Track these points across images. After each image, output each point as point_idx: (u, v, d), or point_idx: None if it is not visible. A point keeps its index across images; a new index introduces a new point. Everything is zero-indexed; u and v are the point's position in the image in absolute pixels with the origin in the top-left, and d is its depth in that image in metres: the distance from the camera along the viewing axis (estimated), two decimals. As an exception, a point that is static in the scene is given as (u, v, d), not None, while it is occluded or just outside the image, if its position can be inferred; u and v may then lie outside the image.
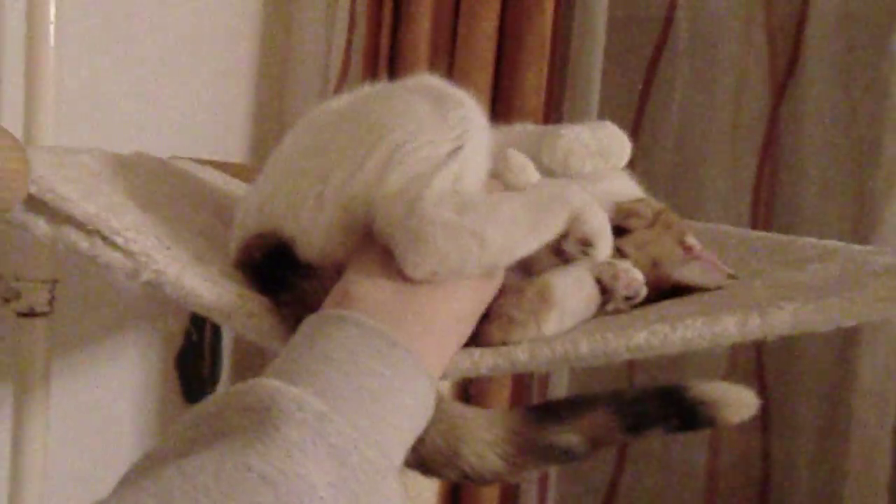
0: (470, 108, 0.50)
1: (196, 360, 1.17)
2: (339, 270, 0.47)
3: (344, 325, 0.41)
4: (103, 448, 0.99)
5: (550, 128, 0.63)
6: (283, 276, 0.47)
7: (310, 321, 0.43)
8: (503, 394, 1.15)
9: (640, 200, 0.58)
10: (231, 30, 1.21)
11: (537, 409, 0.47)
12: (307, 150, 0.51)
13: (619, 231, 0.54)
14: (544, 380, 1.23)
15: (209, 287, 0.45)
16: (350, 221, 0.48)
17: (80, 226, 0.44)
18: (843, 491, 1.10)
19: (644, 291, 0.51)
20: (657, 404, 0.44)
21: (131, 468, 0.34)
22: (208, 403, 0.36)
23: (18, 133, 0.74)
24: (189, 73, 1.09)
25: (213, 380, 1.23)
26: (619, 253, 0.53)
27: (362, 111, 0.50)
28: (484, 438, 0.44)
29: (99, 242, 0.44)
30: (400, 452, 0.39)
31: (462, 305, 0.46)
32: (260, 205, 0.51)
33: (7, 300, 0.75)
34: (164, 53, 1.03)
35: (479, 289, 0.47)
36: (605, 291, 0.50)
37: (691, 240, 0.55)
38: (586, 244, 0.48)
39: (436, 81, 0.54)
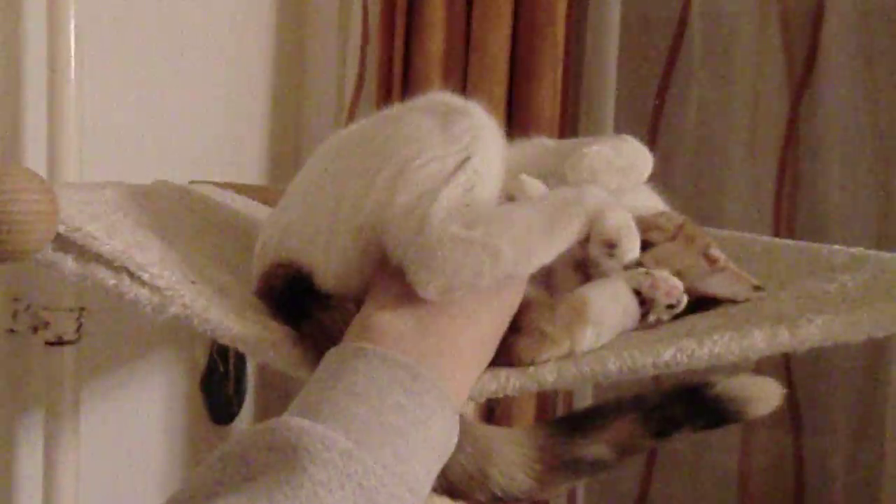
0: (477, 118, 0.50)
1: (221, 383, 1.18)
2: (358, 299, 0.47)
3: (367, 358, 0.41)
4: (133, 472, 1.00)
5: (569, 143, 0.64)
6: (303, 307, 0.47)
7: (332, 355, 0.42)
8: (529, 404, 1.14)
9: (660, 214, 0.57)
10: (245, 50, 1.22)
11: (562, 422, 0.46)
12: (321, 179, 0.51)
13: (642, 245, 0.53)
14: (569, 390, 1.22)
15: (234, 319, 0.46)
16: (363, 247, 0.47)
17: (107, 263, 0.44)
18: (879, 493, 1.08)
19: (685, 299, 0.50)
20: (682, 406, 0.44)
21: None
22: (233, 443, 0.36)
23: (42, 168, 0.75)
24: (205, 95, 1.11)
25: (239, 401, 1.24)
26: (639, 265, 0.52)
27: (369, 136, 0.50)
28: (512, 459, 0.44)
29: (126, 279, 0.45)
30: (427, 485, 0.39)
31: (483, 329, 0.45)
32: (278, 235, 0.51)
33: (36, 329, 0.77)
34: (180, 78, 1.04)
35: (499, 309, 0.46)
36: (644, 302, 0.49)
37: (715, 251, 0.54)
38: (610, 245, 0.47)
39: (442, 96, 0.53)
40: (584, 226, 0.47)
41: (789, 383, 1.14)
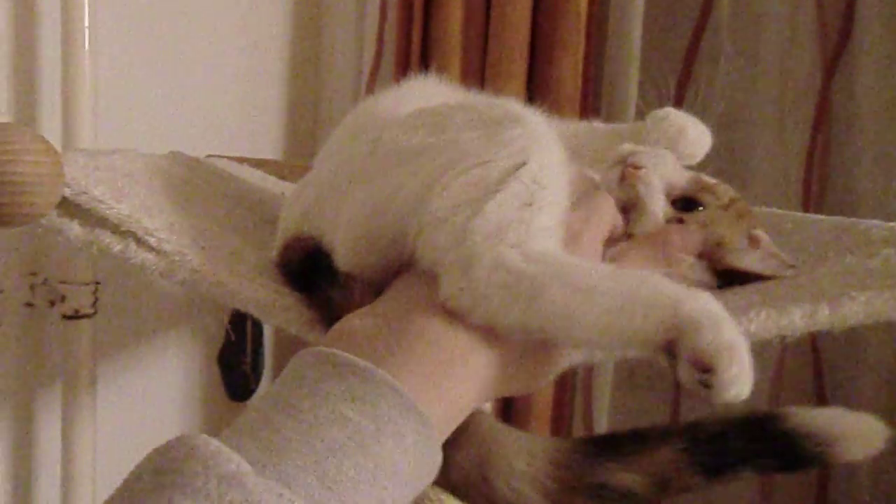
0: (533, 124, 0.43)
1: (238, 357, 1.18)
2: (366, 285, 0.45)
3: (319, 362, 0.34)
4: (150, 446, 1.00)
5: (622, 127, 0.64)
6: (316, 281, 0.46)
7: (292, 361, 0.36)
8: (541, 425, 1.09)
9: (718, 183, 0.55)
10: (263, 25, 1.20)
11: (591, 441, 0.40)
12: (351, 160, 0.48)
13: (690, 203, 0.51)
14: (588, 412, 1.19)
15: (245, 284, 0.45)
16: (379, 240, 0.43)
17: (113, 228, 0.43)
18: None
19: None
20: (745, 438, 0.36)
21: None
22: (143, 460, 0.32)
23: (57, 136, 0.75)
24: (222, 70, 1.10)
25: (256, 375, 1.24)
26: (680, 223, 0.50)
27: (411, 128, 0.45)
28: (521, 469, 0.38)
29: (132, 244, 0.44)
30: None
31: (479, 370, 0.37)
32: (302, 209, 0.50)
33: (52, 303, 0.77)
34: (196, 52, 1.03)
35: (502, 357, 0.38)
36: None
37: (760, 233, 0.51)
38: (704, 369, 0.33)
39: (498, 99, 0.48)
40: (667, 328, 0.35)
41: (817, 368, 1.11)
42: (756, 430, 0.36)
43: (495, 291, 0.36)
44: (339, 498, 0.30)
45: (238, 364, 1.20)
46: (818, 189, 1.11)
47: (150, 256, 0.44)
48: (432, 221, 0.39)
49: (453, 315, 0.37)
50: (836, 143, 1.10)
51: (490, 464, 0.38)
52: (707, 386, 0.33)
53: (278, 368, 1.31)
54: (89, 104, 0.73)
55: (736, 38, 1.16)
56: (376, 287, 0.43)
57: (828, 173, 1.11)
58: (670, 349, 0.35)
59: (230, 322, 1.14)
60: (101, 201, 0.42)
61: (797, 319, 0.41)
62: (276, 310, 0.44)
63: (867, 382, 1.09)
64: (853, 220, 0.55)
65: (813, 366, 1.12)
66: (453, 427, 0.37)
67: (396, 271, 0.43)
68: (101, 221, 0.43)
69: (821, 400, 1.11)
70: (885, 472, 1.08)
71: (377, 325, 0.37)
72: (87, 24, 0.72)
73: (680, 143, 0.57)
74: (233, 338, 1.16)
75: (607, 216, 0.46)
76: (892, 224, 0.52)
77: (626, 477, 0.37)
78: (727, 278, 0.50)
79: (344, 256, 0.45)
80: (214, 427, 1.14)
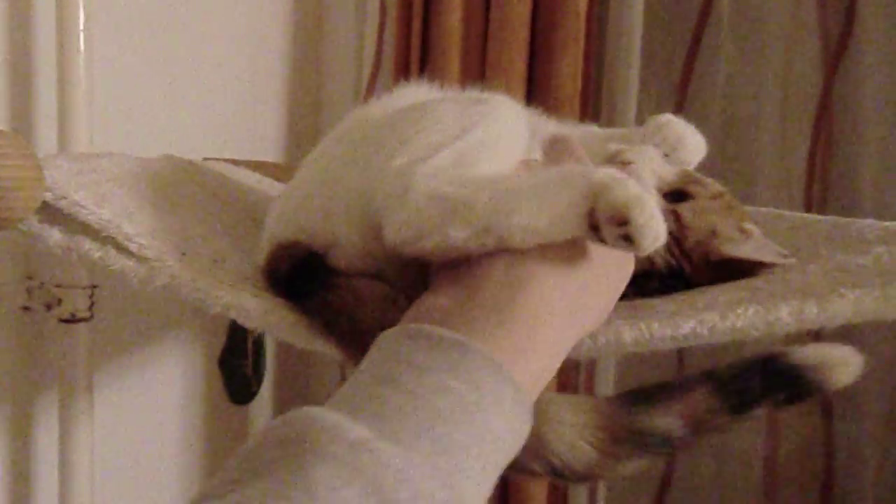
0: (497, 102, 0.47)
1: (239, 360, 1.18)
2: (374, 277, 0.46)
3: (411, 338, 0.36)
4: (149, 451, 1.00)
5: (619, 131, 0.66)
6: (308, 287, 0.46)
7: (378, 341, 0.38)
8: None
9: (704, 177, 0.55)
10: (263, 26, 1.21)
11: (626, 394, 0.42)
12: (339, 160, 0.49)
13: (681, 196, 0.52)
14: (590, 376, 1.20)
15: (226, 288, 0.44)
16: (368, 220, 0.45)
17: (94, 234, 0.43)
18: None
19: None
20: (759, 377, 0.41)
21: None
22: (252, 438, 0.33)
23: (53, 141, 0.75)
24: (222, 72, 1.10)
25: (258, 378, 1.24)
26: (675, 216, 0.50)
27: (391, 122, 0.48)
28: (573, 422, 0.40)
29: (112, 252, 0.44)
30: (482, 483, 0.33)
31: (547, 292, 0.39)
32: (290, 214, 0.50)
33: (49, 307, 0.77)
34: (196, 54, 1.03)
35: (568, 276, 0.40)
36: None
37: (751, 226, 0.51)
38: (620, 221, 0.37)
39: (472, 92, 0.52)
40: (586, 197, 0.38)
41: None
42: (766, 367, 0.40)
43: (433, 212, 0.39)
44: (453, 463, 0.32)
45: (239, 367, 1.19)
46: (820, 189, 1.10)
47: (130, 263, 0.43)
48: (388, 177, 0.43)
49: (487, 269, 0.39)
50: (839, 144, 1.09)
51: (542, 418, 0.39)
52: (629, 240, 0.37)
53: (280, 371, 1.31)
54: (85, 108, 0.73)
55: (736, 38, 1.15)
56: (384, 278, 0.45)
57: (830, 173, 1.10)
58: (593, 224, 0.38)
59: (230, 325, 1.14)
60: (81, 206, 0.42)
61: (785, 316, 0.41)
62: (258, 312, 0.44)
63: (869, 384, 1.08)
64: (849, 220, 0.55)
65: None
66: (540, 390, 0.39)
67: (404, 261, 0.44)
68: (82, 227, 0.43)
69: (824, 398, 1.10)
70: (887, 495, 1.07)
71: (458, 299, 0.39)
72: (82, 26, 0.72)
73: (679, 149, 0.59)
74: (236, 337, 1.16)
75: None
76: (887, 224, 0.51)
77: (664, 422, 0.40)
78: (720, 271, 0.50)
79: (347, 255, 0.45)
80: (216, 432, 1.14)
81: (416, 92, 0.59)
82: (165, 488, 1.04)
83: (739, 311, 0.41)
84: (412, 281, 0.45)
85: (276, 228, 0.50)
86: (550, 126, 0.65)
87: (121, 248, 0.43)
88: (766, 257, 0.50)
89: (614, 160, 0.53)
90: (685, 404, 0.40)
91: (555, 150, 0.46)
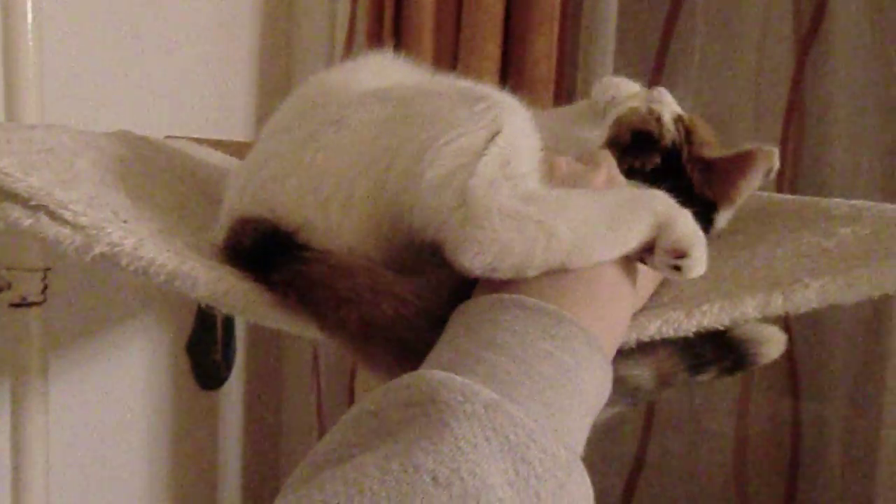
0: (497, 96, 0.47)
1: (208, 345, 1.16)
2: (355, 254, 0.45)
3: (504, 306, 0.38)
4: (112, 440, 0.98)
5: (570, 108, 0.71)
6: (278, 262, 0.45)
7: (464, 309, 0.40)
8: None
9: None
10: (232, 3, 1.17)
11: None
12: (313, 137, 0.47)
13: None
14: None
15: (170, 257, 0.42)
16: (381, 220, 0.45)
17: (24, 202, 0.41)
18: (876, 460, 1.06)
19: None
20: (710, 345, 0.46)
21: (291, 478, 0.31)
22: (366, 402, 0.33)
23: (0, 114, 0.72)
24: (186, 46, 1.06)
25: (227, 363, 1.22)
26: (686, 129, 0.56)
27: (383, 110, 0.47)
28: None
29: (44, 218, 0.41)
30: (581, 441, 0.36)
31: (620, 274, 0.43)
32: (256, 188, 0.48)
33: (-1, 290, 0.74)
34: (160, 28, 1.00)
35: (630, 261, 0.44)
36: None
37: None
38: (679, 255, 0.41)
39: (457, 81, 0.52)
40: (651, 229, 0.42)
41: (788, 348, 1.11)
42: (715, 338, 0.46)
43: (513, 238, 0.40)
44: (563, 425, 0.34)
45: (208, 352, 1.17)
46: (791, 175, 1.11)
47: (65, 230, 0.41)
48: (429, 190, 0.43)
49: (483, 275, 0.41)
50: (809, 132, 1.10)
51: None
52: (678, 269, 0.41)
53: (251, 355, 1.29)
54: (34, 80, 0.70)
55: (711, 20, 1.15)
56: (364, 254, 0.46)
57: (801, 161, 1.10)
58: (646, 248, 0.42)
59: (198, 308, 1.12)
60: (6, 174, 0.40)
61: (751, 310, 0.41)
62: (208, 282, 0.42)
63: (836, 365, 1.09)
64: (817, 199, 0.54)
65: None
66: (614, 353, 0.42)
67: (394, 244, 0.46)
68: (9, 196, 0.41)
69: (792, 379, 1.11)
70: (853, 473, 1.09)
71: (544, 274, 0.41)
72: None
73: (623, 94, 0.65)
74: (205, 321, 1.13)
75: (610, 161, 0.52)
76: (852, 202, 0.51)
77: (637, 371, 0.44)
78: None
79: (342, 243, 0.45)
80: (184, 419, 1.12)
81: (376, 64, 0.58)
82: (131, 478, 1.02)
83: (705, 307, 0.42)
84: (398, 265, 0.45)
85: (239, 203, 0.48)
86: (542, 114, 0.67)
87: (54, 216, 0.41)
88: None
89: (644, 109, 0.60)
90: (655, 358, 0.45)
91: (592, 162, 0.50)
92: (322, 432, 1.30)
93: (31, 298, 0.73)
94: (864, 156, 1.06)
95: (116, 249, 0.41)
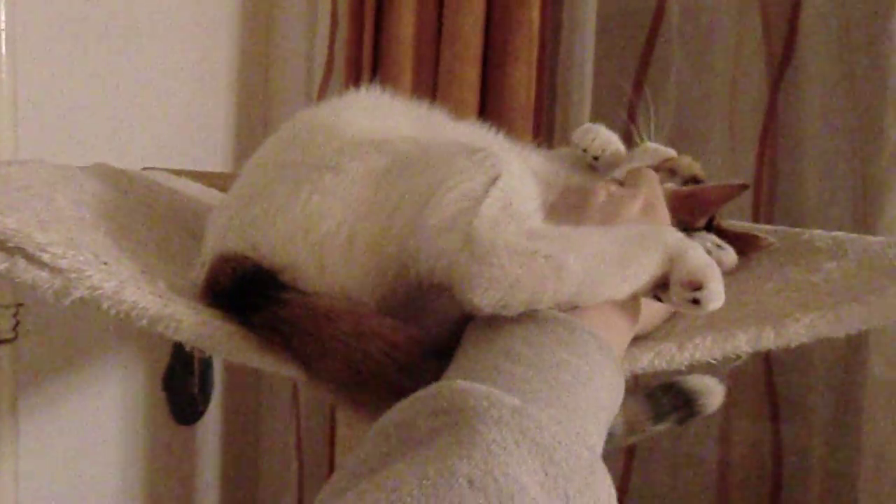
0: (494, 148, 0.49)
1: (185, 379, 1.13)
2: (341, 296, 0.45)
3: (518, 318, 0.40)
4: (86, 477, 0.95)
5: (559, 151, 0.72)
6: (256, 303, 0.44)
7: (477, 323, 0.41)
8: None
9: None
10: (209, 31, 1.17)
11: None
12: (306, 177, 0.47)
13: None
14: None
15: (153, 300, 0.42)
16: (387, 266, 0.46)
17: (0, 245, 0.40)
18: (856, 484, 1.06)
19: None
20: (668, 397, 0.50)
21: (324, 490, 0.32)
22: (393, 414, 0.34)
23: (-28, 150, 0.70)
24: (164, 78, 1.05)
25: (204, 397, 1.19)
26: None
27: (381, 160, 0.47)
28: None
29: (21, 261, 0.40)
30: (600, 444, 0.37)
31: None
32: (238, 226, 0.47)
33: (-31, 327, 0.72)
34: (137, 59, 0.99)
35: None
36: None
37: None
38: (694, 287, 0.41)
39: (455, 140, 0.53)
40: (662, 263, 0.43)
41: (768, 373, 1.12)
42: (670, 390, 0.51)
43: (521, 274, 0.40)
44: (581, 427, 0.35)
45: (185, 386, 1.15)
46: (767, 199, 1.12)
47: (43, 274, 0.40)
48: (434, 233, 0.43)
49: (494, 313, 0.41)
50: (784, 154, 1.11)
51: None
52: (696, 302, 0.41)
53: (229, 389, 1.26)
54: (8, 112, 0.68)
55: (686, 51, 1.17)
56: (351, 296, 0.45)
57: (776, 183, 1.12)
58: (660, 284, 0.43)
59: (175, 342, 1.09)
60: (-22, 216, 0.39)
61: (742, 344, 0.42)
62: (191, 325, 0.41)
63: (815, 390, 1.10)
64: (798, 230, 0.55)
65: (765, 372, 1.12)
66: (622, 352, 0.43)
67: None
68: (-18, 238, 0.40)
69: (773, 404, 1.12)
70: (834, 497, 1.09)
71: None
72: (2, 24, 0.67)
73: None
74: (183, 363, 1.11)
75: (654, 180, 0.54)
76: (835, 234, 0.51)
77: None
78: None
79: (330, 279, 0.45)
80: (160, 455, 1.09)
81: (365, 100, 0.58)
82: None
83: (697, 340, 0.42)
84: (395, 308, 0.45)
85: (219, 240, 0.48)
86: (533, 156, 0.68)
87: (32, 259, 0.40)
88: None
89: (664, 165, 0.64)
90: (624, 408, 0.44)
91: (633, 178, 0.52)
92: (301, 468, 1.27)
93: (2, 336, 0.71)
94: (836, 184, 1.08)
95: (97, 293, 0.40)
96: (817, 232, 0.53)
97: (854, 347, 1.07)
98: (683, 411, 0.52)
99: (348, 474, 0.32)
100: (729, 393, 1.09)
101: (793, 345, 0.40)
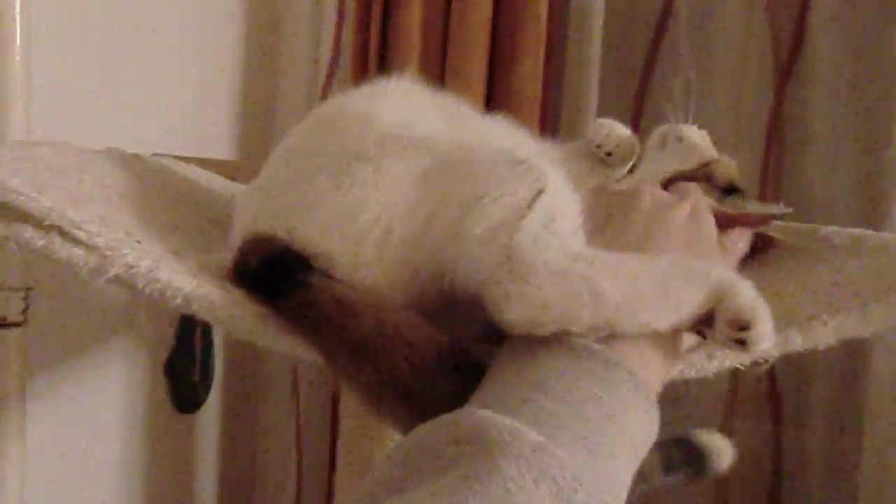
0: (536, 160, 0.48)
1: (186, 367, 1.13)
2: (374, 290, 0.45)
3: (552, 347, 0.38)
4: (89, 463, 0.95)
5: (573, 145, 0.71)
6: (284, 287, 0.44)
7: (511, 347, 0.40)
8: None
9: None
10: (216, 22, 1.16)
11: None
12: (351, 174, 0.46)
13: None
14: None
15: (188, 280, 0.41)
16: (419, 268, 0.45)
17: (35, 222, 0.39)
18: (856, 485, 1.07)
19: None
20: (679, 451, 0.51)
21: None
22: (414, 438, 0.34)
23: (-15, 133, 0.70)
24: (172, 66, 1.05)
25: (206, 386, 1.19)
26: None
27: (421, 161, 0.47)
28: None
29: (57, 238, 0.40)
30: (626, 486, 0.35)
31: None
32: (273, 207, 0.47)
33: (-23, 311, 0.71)
34: (144, 47, 0.99)
35: None
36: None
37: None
38: (742, 326, 0.39)
39: (498, 149, 0.53)
40: (707, 298, 0.40)
41: (770, 373, 1.12)
42: (682, 442, 0.52)
43: (558, 294, 0.39)
44: (606, 468, 0.34)
45: (186, 374, 1.15)
46: (772, 199, 1.12)
47: (79, 252, 0.40)
48: (474, 245, 0.43)
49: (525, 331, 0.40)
50: (790, 151, 1.12)
51: None
52: (741, 342, 0.39)
53: (229, 378, 1.26)
54: (21, 99, 0.68)
55: (693, 46, 1.17)
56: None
57: (781, 184, 1.12)
58: (703, 320, 0.41)
59: (178, 330, 1.09)
60: (18, 193, 0.38)
61: (772, 350, 0.40)
62: (225, 305, 0.41)
63: (817, 391, 1.11)
64: (813, 225, 0.55)
65: (768, 373, 1.13)
66: (657, 390, 0.42)
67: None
68: (20, 216, 0.39)
69: (774, 405, 1.12)
70: (834, 498, 1.10)
71: None
72: (18, 11, 0.67)
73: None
74: (183, 343, 1.11)
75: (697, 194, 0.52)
76: (850, 230, 0.51)
77: None
78: None
79: (369, 279, 0.45)
80: (160, 442, 1.09)
81: (401, 90, 0.57)
82: (107, 501, 0.98)
83: (726, 349, 0.41)
84: (424, 310, 0.45)
85: (252, 222, 0.47)
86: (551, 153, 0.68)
87: (67, 237, 0.40)
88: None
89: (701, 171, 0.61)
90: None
91: (679, 192, 0.51)
92: (301, 458, 1.28)
93: (11, 319, 0.71)
94: (842, 185, 1.08)
95: (133, 271, 0.40)
96: (833, 229, 0.53)
97: (855, 347, 1.07)
98: (693, 468, 0.52)
99: (369, 494, 0.32)
100: (729, 393, 1.11)
101: (820, 347, 0.40)
